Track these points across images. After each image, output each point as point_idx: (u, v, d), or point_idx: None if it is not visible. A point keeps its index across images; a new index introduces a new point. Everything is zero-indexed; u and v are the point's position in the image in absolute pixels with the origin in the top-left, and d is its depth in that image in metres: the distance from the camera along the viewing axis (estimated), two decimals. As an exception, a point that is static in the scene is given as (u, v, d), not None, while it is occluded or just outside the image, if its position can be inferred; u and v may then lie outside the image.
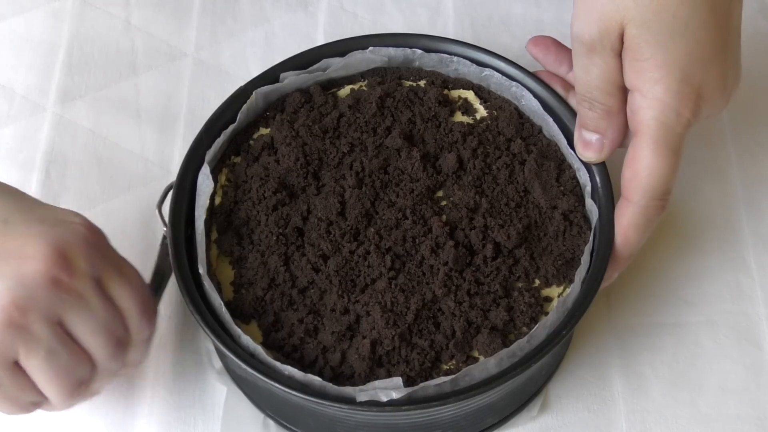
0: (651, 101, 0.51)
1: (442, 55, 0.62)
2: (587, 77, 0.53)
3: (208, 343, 0.59)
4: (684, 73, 0.51)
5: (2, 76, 0.70)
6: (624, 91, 0.53)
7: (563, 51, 0.60)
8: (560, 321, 0.52)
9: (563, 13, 0.73)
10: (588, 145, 0.56)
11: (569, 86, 0.60)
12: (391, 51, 0.62)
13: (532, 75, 0.60)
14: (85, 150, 0.67)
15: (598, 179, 0.57)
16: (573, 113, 0.58)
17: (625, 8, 0.50)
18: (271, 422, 0.58)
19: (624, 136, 0.55)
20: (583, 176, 0.57)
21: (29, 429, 0.57)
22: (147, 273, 0.62)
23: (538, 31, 0.72)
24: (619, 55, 0.52)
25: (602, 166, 0.57)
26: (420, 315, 0.53)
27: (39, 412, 0.57)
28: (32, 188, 0.65)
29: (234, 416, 0.58)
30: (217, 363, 0.59)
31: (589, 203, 0.56)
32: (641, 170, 0.52)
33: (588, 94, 0.54)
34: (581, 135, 0.56)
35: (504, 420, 0.57)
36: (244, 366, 0.50)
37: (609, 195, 0.56)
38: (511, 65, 0.61)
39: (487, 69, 0.61)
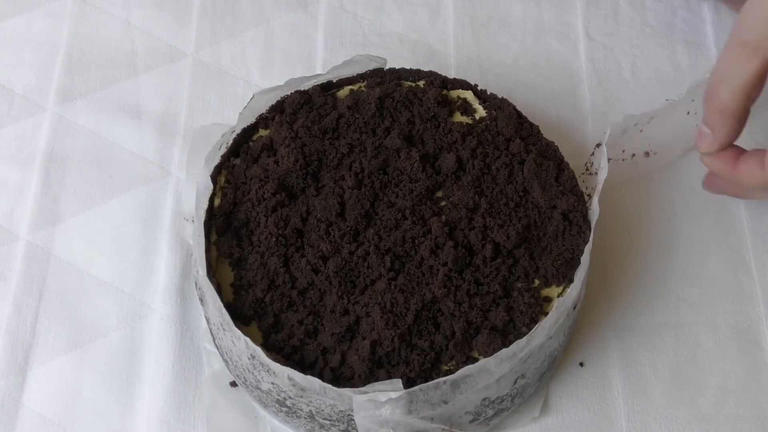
0: None
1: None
2: (724, 68, 0.53)
3: (206, 343, 0.59)
4: None
5: (2, 76, 0.70)
6: (748, 101, 0.53)
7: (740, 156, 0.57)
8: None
9: (563, 13, 0.73)
10: (700, 136, 0.56)
11: None
12: None
13: None
14: (85, 150, 0.67)
15: None
16: None
17: None
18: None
19: (734, 139, 0.55)
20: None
21: (31, 429, 0.57)
22: (151, 274, 0.63)
23: (538, 31, 0.72)
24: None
25: None
26: (420, 316, 0.53)
27: (37, 415, 0.58)
28: (32, 188, 0.65)
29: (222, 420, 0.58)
30: (216, 364, 0.59)
31: (594, 203, 0.56)
32: None
33: (714, 85, 0.54)
34: (700, 125, 0.56)
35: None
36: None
37: None
38: None
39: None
